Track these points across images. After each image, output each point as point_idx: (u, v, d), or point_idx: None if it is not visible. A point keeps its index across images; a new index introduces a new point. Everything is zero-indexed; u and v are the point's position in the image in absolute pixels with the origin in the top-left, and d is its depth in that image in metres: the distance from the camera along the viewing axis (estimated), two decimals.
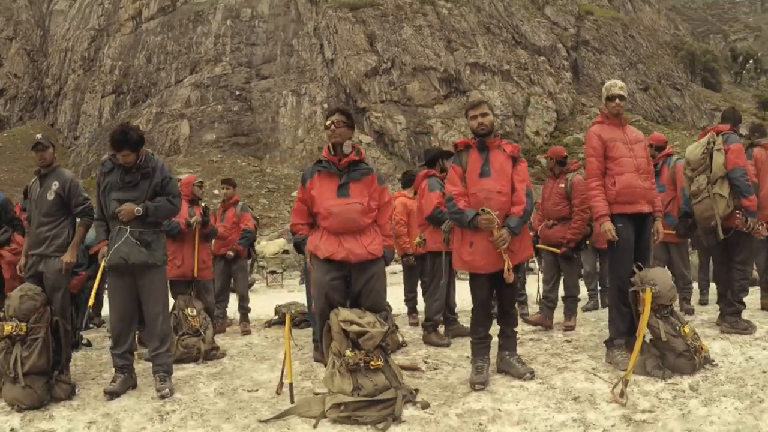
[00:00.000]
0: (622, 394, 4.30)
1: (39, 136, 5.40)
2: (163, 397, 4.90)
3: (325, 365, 4.62)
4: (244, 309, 8.44)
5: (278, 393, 4.90)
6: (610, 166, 5.21)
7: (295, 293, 15.05)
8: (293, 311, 8.45)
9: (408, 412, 4.22)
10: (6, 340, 4.82)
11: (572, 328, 6.98)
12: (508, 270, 4.65)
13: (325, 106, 45.93)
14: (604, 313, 7.84)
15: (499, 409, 4.29)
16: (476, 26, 50.99)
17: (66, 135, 54.06)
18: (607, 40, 57.36)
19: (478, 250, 4.71)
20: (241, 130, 46.91)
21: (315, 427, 4.04)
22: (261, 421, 4.23)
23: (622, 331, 5.23)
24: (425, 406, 4.33)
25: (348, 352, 4.26)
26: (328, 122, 4.75)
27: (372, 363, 4.24)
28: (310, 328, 7.82)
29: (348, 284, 4.72)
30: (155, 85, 52.00)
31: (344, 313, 4.45)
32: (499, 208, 4.68)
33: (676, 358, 4.81)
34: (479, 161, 4.84)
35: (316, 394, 4.66)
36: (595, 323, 7.33)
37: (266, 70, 49.93)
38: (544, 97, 48.94)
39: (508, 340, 5.12)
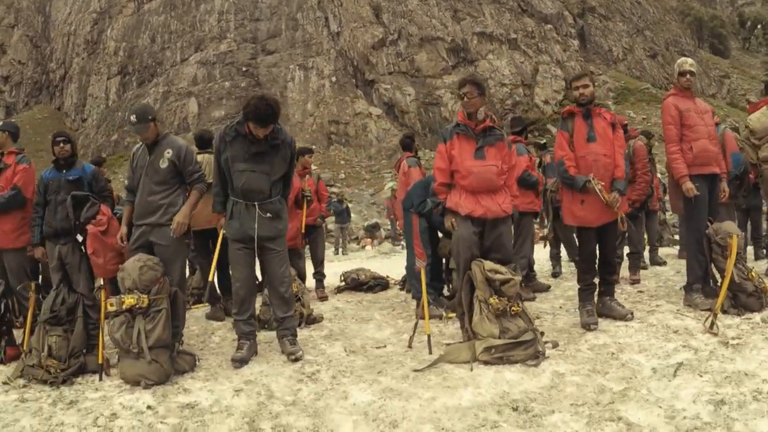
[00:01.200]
0: (712, 326, 5.06)
1: (133, 118, 5.11)
2: (297, 359, 4.90)
3: (461, 316, 5.00)
4: (320, 275, 8.37)
5: (410, 347, 5.17)
6: (686, 133, 5.82)
7: (334, 263, 15.27)
8: (362, 276, 8.67)
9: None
10: (126, 313, 4.63)
11: (638, 281, 7.51)
12: (622, 221, 5.36)
13: (333, 79, 45.70)
14: (660, 269, 8.68)
15: (619, 342, 4.94)
16: None
17: (74, 118, 54.09)
18: (614, 6, 56.80)
19: (588, 207, 5.30)
20: None
21: (471, 370, 4.39)
22: (416, 371, 4.47)
23: (700, 276, 5.93)
24: (555, 345, 4.85)
25: (492, 299, 4.65)
26: (461, 93, 5.13)
27: (513, 308, 4.71)
28: (385, 291, 8.46)
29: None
30: (161, 64, 51.81)
31: (489, 263, 4.83)
32: (605, 168, 5.31)
33: (747, 297, 5.56)
34: (585, 127, 5.38)
35: (447, 344, 5.03)
36: (656, 277, 7.95)
37: (272, 45, 49.61)
38: (552, 65, 48.52)
39: (609, 287, 5.70)
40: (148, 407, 4.12)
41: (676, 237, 12.18)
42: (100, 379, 4.69)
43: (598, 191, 5.16)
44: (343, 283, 8.79)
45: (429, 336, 5.02)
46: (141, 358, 4.47)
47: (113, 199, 6.04)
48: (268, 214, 4.92)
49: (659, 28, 57.94)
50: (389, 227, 25.01)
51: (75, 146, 5.76)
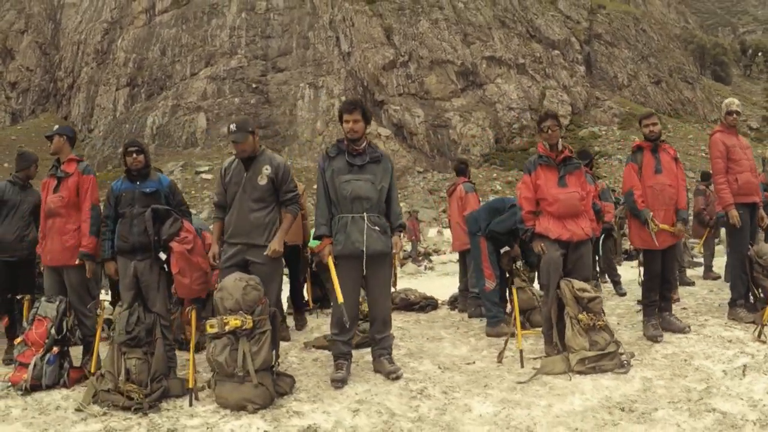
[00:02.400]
0: (760, 335, 5.65)
1: (233, 126, 4.88)
2: (398, 377, 4.85)
3: (548, 331, 5.36)
4: None
5: (500, 362, 5.37)
6: (732, 166, 6.47)
7: None
8: (412, 297, 8.55)
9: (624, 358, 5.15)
10: (229, 335, 4.35)
11: (678, 300, 7.80)
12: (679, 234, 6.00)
13: (343, 98, 45.88)
14: (692, 289, 9.05)
15: (685, 351, 5.44)
16: (492, 20, 51.16)
17: (80, 128, 53.97)
18: (620, 33, 57.55)
19: (658, 232, 5.82)
20: (258, 122, 46.62)
21: (570, 379, 4.76)
22: (519, 383, 4.73)
23: (742, 293, 6.55)
24: (632, 355, 5.19)
25: (582, 316, 5.05)
26: (542, 126, 5.51)
27: (599, 323, 5.07)
28: (436, 311, 8.42)
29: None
30: (170, 77, 52.08)
31: (578, 282, 5.20)
32: (670, 197, 5.91)
33: None
34: (653, 161, 5.99)
35: (535, 358, 5.34)
36: (692, 296, 8.35)
37: (282, 62, 50.05)
38: (559, 90, 49.17)
39: (668, 303, 6.22)
40: None
41: (695, 259, 12.49)
42: (191, 404, 4.42)
43: (652, 230, 5.76)
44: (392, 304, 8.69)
45: (521, 351, 5.27)
46: (246, 381, 4.23)
47: (190, 213, 5.62)
48: (377, 228, 4.83)
49: (663, 56, 58.67)
50: (408, 248, 25.09)
51: (148, 156, 5.31)
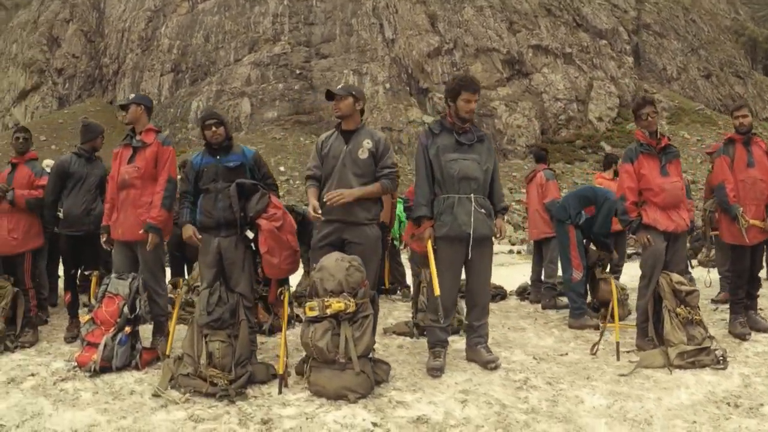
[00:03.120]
0: None
1: (339, 87, 4.71)
2: (496, 367, 4.68)
3: (643, 323, 5.28)
4: None
5: (593, 354, 5.24)
6: None
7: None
8: None
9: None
10: (330, 320, 4.08)
11: None
12: None
13: (387, 86, 45.81)
14: (762, 291, 8.72)
15: None
16: (537, 8, 50.22)
17: (125, 113, 54.76)
18: (668, 23, 56.11)
19: (748, 227, 5.71)
20: (302, 108, 47.12)
21: (671, 373, 4.69)
22: (620, 375, 4.65)
23: None
24: (724, 351, 5.05)
25: (680, 309, 4.97)
26: (641, 113, 5.37)
27: (696, 317, 5.01)
28: (506, 301, 8.25)
29: None
30: (214, 63, 52.44)
31: (676, 276, 5.09)
32: (761, 191, 5.74)
33: None
34: (745, 154, 5.81)
35: (627, 351, 5.28)
36: (765, 297, 8.04)
37: (326, 49, 49.97)
38: (607, 81, 48.12)
39: (753, 301, 6.11)
40: (374, 424, 3.62)
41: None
42: (280, 391, 4.15)
43: (742, 226, 5.61)
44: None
45: (618, 343, 5.19)
46: (348, 369, 3.98)
47: (277, 187, 5.22)
48: (483, 210, 4.67)
49: (714, 48, 57.06)
50: None
51: (228, 128, 4.94)
